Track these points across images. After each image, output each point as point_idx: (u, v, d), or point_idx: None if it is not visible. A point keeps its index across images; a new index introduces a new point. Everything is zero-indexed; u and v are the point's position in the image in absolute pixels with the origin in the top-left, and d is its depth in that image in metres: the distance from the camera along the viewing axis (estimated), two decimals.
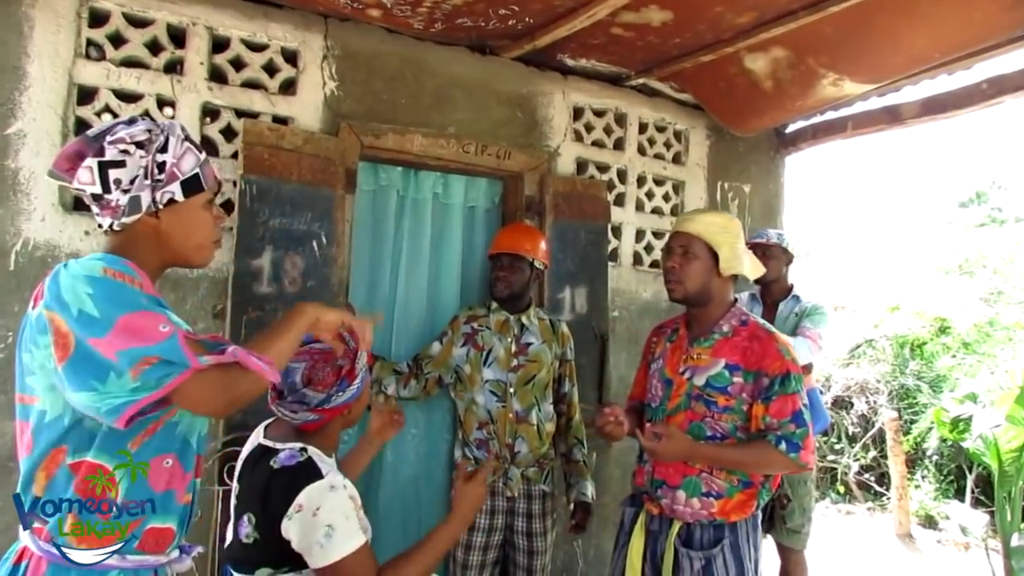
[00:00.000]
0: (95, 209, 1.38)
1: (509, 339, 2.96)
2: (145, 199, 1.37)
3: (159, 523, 1.37)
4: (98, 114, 2.55)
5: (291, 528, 1.66)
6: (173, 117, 2.65)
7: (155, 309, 1.28)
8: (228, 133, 2.76)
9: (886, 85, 3.48)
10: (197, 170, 1.43)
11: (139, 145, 1.36)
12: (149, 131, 1.38)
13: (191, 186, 1.42)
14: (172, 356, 1.23)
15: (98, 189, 1.34)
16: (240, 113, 2.77)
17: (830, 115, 4.07)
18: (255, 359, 1.30)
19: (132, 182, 1.35)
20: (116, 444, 1.30)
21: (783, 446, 2.04)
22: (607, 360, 3.49)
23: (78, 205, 2.54)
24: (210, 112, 2.75)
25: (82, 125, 2.55)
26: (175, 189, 1.40)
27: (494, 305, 3.01)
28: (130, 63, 2.62)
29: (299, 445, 1.77)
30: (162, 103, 2.66)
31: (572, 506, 3.01)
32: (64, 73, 2.50)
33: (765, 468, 2.13)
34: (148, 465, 1.34)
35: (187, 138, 1.44)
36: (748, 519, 2.17)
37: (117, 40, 2.61)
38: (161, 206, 1.39)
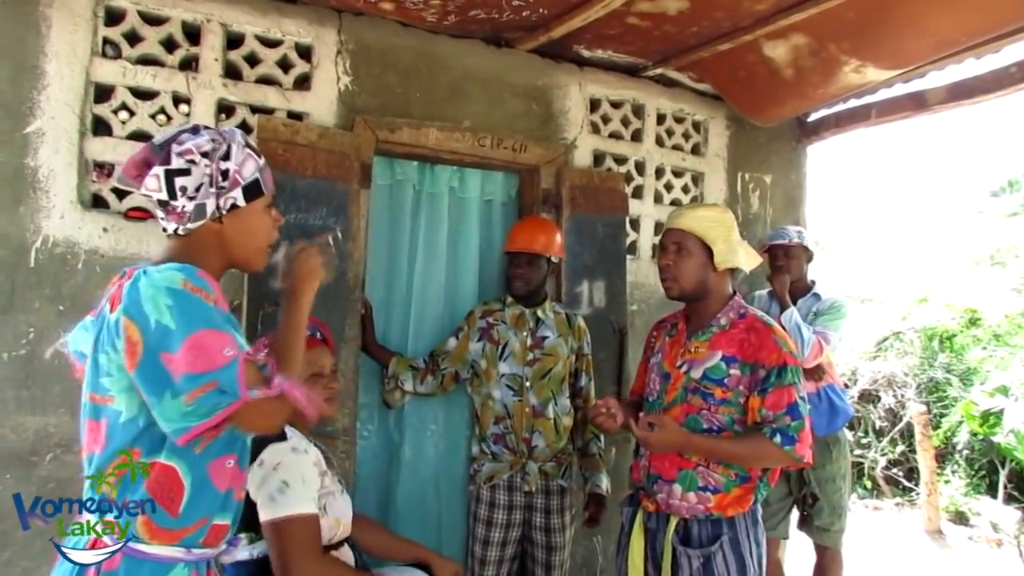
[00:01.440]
0: (160, 214, 1.43)
1: (525, 333, 2.94)
2: (210, 206, 1.41)
3: (220, 520, 1.43)
4: (115, 111, 2.58)
5: (251, 482, 1.70)
6: (188, 114, 2.67)
7: (225, 328, 1.32)
8: (243, 129, 2.75)
9: (911, 71, 3.39)
10: (257, 175, 1.48)
11: (204, 155, 1.40)
12: (214, 140, 1.42)
13: (252, 191, 1.47)
14: (227, 385, 1.27)
15: (164, 196, 1.39)
16: (255, 109, 2.78)
17: (853, 103, 3.98)
18: (299, 394, 1.37)
19: (198, 189, 1.40)
20: (185, 447, 1.33)
21: (778, 439, 2.02)
22: (625, 354, 3.45)
23: (96, 203, 2.56)
24: (225, 108, 2.76)
25: (99, 123, 2.57)
26: (237, 195, 1.44)
27: (509, 299, 3.00)
28: (146, 61, 2.63)
29: None
30: (177, 100, 2.67)
31: (586, 498, 2.99)
32: (81, 71, 2.52)
33: (760, 461, 2.10)
34: (209, 467, 1.39)
35: (247, 144, 1.48)
36: (747, 514, 2.14)
37: (133, 38, 2.62)
38: (224, 212, 1.43)
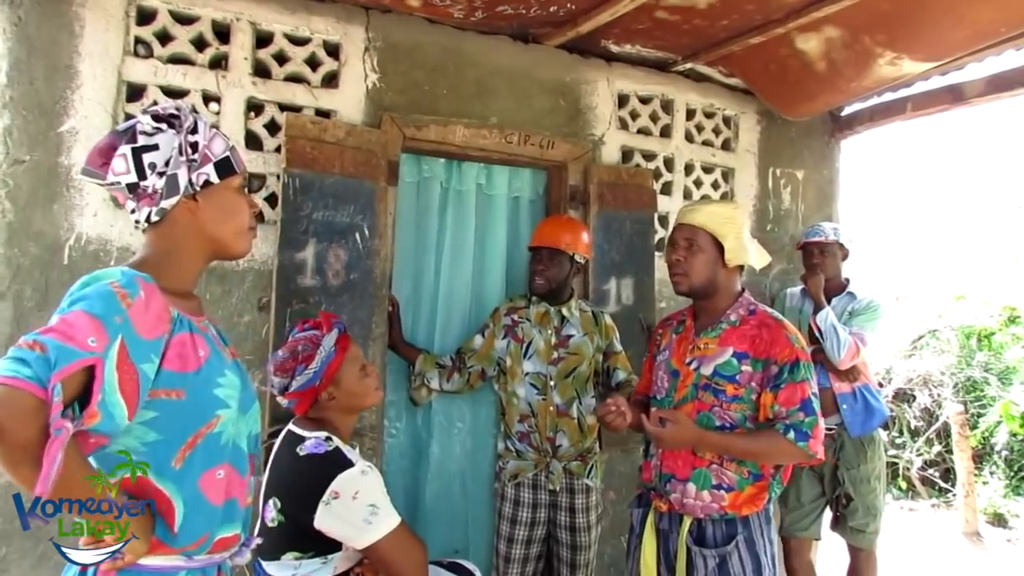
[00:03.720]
0: (132, 204, 1.36)
1: (549, 331, 2.92)
2: (182, 178, 1.35)
3: (226, 532, 1.39)
4: (146, 111, 2.60)
5: (328, 515, 1.70)
6: (219, 113, 2.69)
7: (109, 327, 1.16)
8: (272, 127, 2.79)
9: (948, 63, 3.30)
10: (228, 153, 1.43)
11: (169, 123, 1.35)
12: (178, 108, 1.38)
13: (225, 168, 1.42)
14: (37, 362, 1.08)
15: (133, 177, 1.32)
16: (283, 107, 2.79)
17: (888, 96, 3.90)
18: (52, 454, 1.07)
19: (167, 163, 1.34)
20: (163, 463, 1.30)
21: (791, 435, 2.00)
22: None
23: None
24: (254, 107, 2.78)
25: None
26: (210, 170, 1.39)
27: (534, 297, 2.98)
28: (176, 60, 2.66)
29: (324, 434, 1.84)
30: (208, 99, 2.69)
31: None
32: (113, 71, 2.56)
33: (774, 457, 2.08)
34: (200, 483, 1.33)
35: (214, 125, 1.44)
36: (760, 512, 2.12)
37: (164, 37, 2.65)
38: (198, 187, 1.38)
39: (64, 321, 1.14)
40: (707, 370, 2.13)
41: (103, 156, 1.34)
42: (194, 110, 1.45)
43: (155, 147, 1.33)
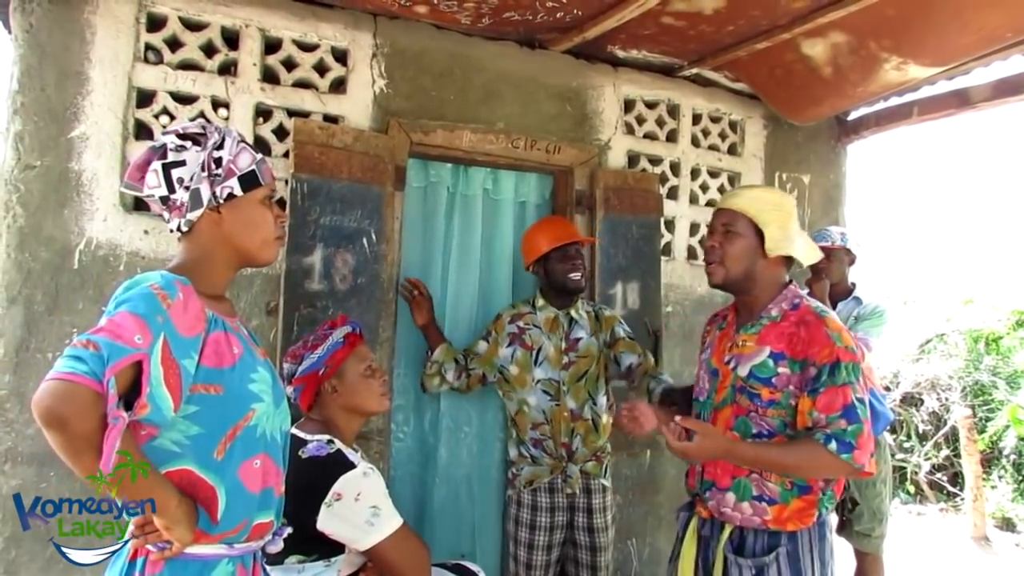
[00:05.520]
0: (165, 215, 1.45)
1: (559, 337, 2.92)
2: (205, 192, 1.43)
3: (263, 519, 1.46)
4: (156, 116, 2.63)
5: (330, 517, 1.72)
6: (227, 118, 2.71)
7: (152, 326, 1.25)
8: (280, 133, 2.81)
9: (954, 68, 3.29)
10: (254, 167, 1.49)
11: (194, 140, 1.43)
12: (203, 127, 1.46)
13: (249, 181, 1.48)
14: (91, 359, 1.17)
15: (164, 191, 1.42)
16: (292, 112, 2.81)
17: (894, 101, 3.90)
18: (111, 440, 1.17)
19: (192, 178, 1.42)
20: (206, 455, 1.36)
21: (833, 445, 1.78)
22: (660, 356, 3.42)
23: (138, 205, 2.62)
24: (263, 112, 2.80)
25: (141, 127, 2.63)
26: (233, 184, 1.46)
27: (540, 302, 2.98)
28: (186, 66, 2.68)
29: (326, 437, 1.85)
30: (217, 104, 2.72)
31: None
32: (124, 77, 2.58)
33: (814, 471, 1.86)
34: (239, 472, 1.40)
35: (242, 140, 1.50)
36: (811, 528, 1.92)
37: (174, 44, 2.67)
38: (221, 200, 1.44)
39: (112, 322, 1.23)
40: (743, 371, 1.95)
41: (140, 171, 1.45)
42: (218, 125, 1.51)
43: (182, 163, 1.42)
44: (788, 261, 2.04)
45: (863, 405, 1.84)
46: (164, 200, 1.43)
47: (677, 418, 1.90)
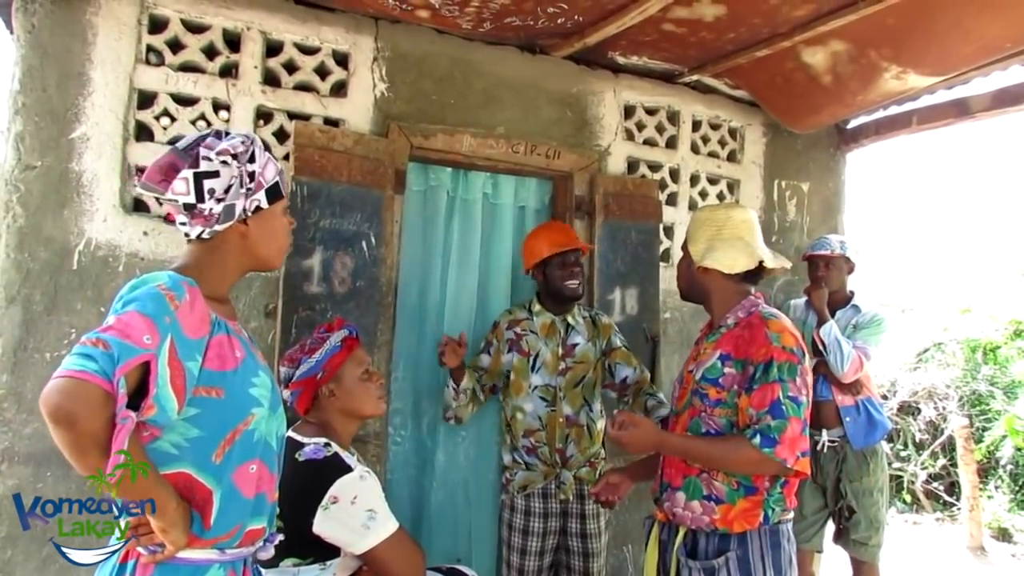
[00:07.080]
0: (184, 219, 1.43)
1: (556, 342, 2.92)
2: (239, 207, 1.43)
3: (255, 524, 1.45)
4: (156, 118, 2.63)
5: (326, 520, 1.72)
6: (228, 120, 2.72)
7: (160, 326, 1.24)
8: (280, 135, 2.81)
9: (954, 77, 3.31)
10: (277, 178, 1.50)
11: (235, 157, 1.42)
12: (243, 143, 1.44)
13: (273, 193, 1.49)
14: (101, 358, 1.16)
15: (192, 199, 1.39)
16: (292, 115, 2.82)
17: (894, 110, 3.91)
18: (120, 437, 1.17)
19: (227, 191, 1.41)
20: (205, 458, 1.35)
21: (757, 439, 1.84)
22: (658, 362, 3.42)
23: (138, 207, 2.62)
24: (263, 115, 2.80)
25: (141, 129, 2.63)
26: (261, 197, 1.46)
27: (537, 307, 2.98)
28: (187, 68, 2.69)
29: (323, 440, 1.85)
30: (218, 106, 2.72)
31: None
32: (125, 78, 2.58)
33: (739, 465, 1.90)
34: (234, 476, 1.39)
35: (266, 148, 1.51)
36: (759, 532, 1.95)
37: (175, 46, 2.68)
38: (250, 213, 1.45)
39: (120, 320, 1.22)
40: (698, 374, 2.06)
41: (163, 174, 1.41)
42: (248, 133, 1.51)
43: (216, 174, 1.40)
44: (753, 273, 2.08)
45: (794, 403, 1.87)
46: (188, 207, 1.40)
47: (615, 411, 2.05)
